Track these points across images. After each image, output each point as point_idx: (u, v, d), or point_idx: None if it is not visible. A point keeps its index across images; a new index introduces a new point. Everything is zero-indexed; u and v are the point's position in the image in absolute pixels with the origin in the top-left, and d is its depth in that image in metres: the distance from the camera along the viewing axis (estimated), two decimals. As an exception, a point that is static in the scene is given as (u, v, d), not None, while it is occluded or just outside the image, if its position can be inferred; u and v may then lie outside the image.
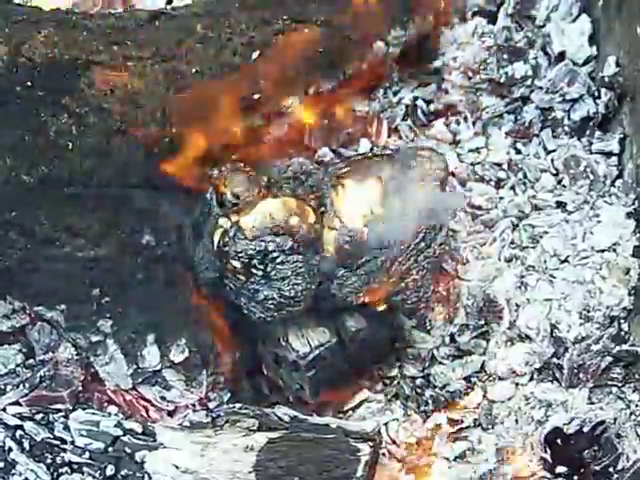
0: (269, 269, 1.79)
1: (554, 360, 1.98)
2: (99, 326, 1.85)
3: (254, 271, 1.79)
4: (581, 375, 1.96)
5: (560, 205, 2.09)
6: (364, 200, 1.83)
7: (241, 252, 1.78)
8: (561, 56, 2.16)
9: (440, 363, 2.00)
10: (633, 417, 1.95)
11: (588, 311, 2.00)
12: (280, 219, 1.79)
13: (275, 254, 1.78)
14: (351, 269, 1.84)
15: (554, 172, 2.11)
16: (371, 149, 2.09)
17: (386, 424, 1.96)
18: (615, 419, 1.93)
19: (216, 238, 1.82)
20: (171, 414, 1.92)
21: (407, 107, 2.15)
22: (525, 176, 2.12)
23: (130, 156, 1.78)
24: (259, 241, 1.78)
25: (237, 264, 1.79)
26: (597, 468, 1.90)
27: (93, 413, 1.86)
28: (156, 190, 1.82)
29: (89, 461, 1.82)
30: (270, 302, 1.80)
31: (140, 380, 1.91)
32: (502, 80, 2.15)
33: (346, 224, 1.82)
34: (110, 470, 1.80)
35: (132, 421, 1.86)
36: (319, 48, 1.94)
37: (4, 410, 1.89)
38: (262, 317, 1.82)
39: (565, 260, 2.04)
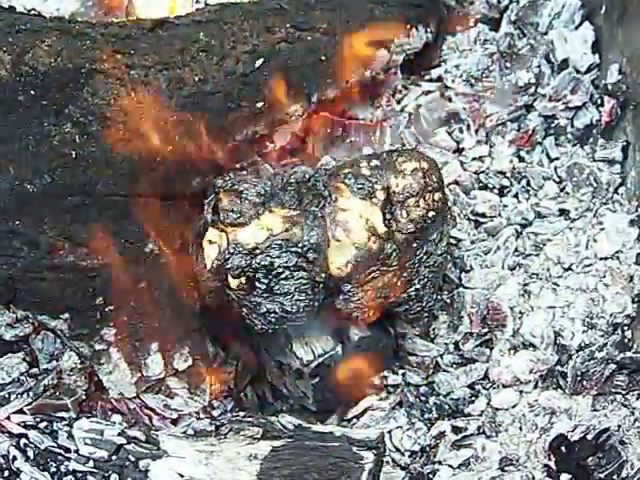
0: (272, 284, 1.78)
1: (558, 368, 1.98)
2: (103, 335, 1.84)
3: (257, 285, 1.78)
4: (585, 382, 1.96)
5: (563, 213, 2.09)
6: (365, 212, 1.83)
7: (244, 267, 1.77)
8: (564, 63, 2.16)
9: (444, 371, 2.00)
10: (637, 424, 1.94)
11: (592, 318, 2.00)
12: (283, 233, 1.78)
13: (280, 269, 1.78)
14: (358, 284, 1.84)
15: (557, 180, 2.11)
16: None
17: (390, 432, 1.96)
18: (619, 426, 1.93)
19: (206, 251, 1.81)
20: (175, 422, 1.92)
21: (410, 115, 2.15)
22: (528, 184, 2.12)
23: (134, 165, 1.79)
24: (265, 255, 1.77)
25: (238, 281, 1.77)
26: (601, 476, 1.90)
27: (97, 422, 1.85)
28: (160, 199, 1.82)
29: (93, 469, 1.81)
30: (272, 316, 1.79)
31: (144, 388, 1.90)
32: (505, 88, 2.15)
33: (351, 236, 1.82)
34: (114, 478, 1.79)
35: (136, 429, 1.85)
36: (322, 56, 1.95)
37: (8, 419, 1.89)
38: (263, 329, 1.81)
39: (569, 268, 2.04)
